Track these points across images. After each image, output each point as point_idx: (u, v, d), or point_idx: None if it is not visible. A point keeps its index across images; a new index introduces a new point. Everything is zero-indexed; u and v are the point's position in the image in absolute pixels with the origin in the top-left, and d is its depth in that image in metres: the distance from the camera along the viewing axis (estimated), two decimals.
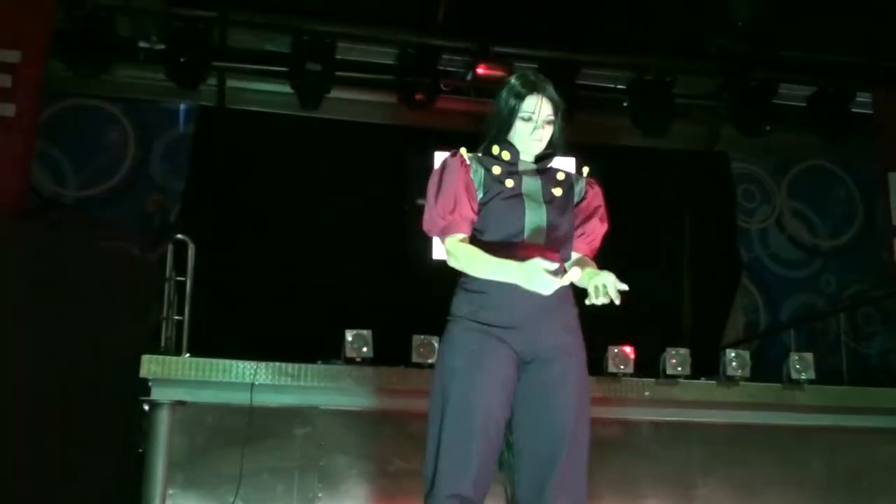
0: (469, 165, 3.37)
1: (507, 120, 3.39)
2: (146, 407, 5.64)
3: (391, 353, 5.95)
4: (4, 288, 5.12)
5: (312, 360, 5.87)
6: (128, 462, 5.67)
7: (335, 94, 9.09)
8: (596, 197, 3.52)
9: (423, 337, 5.82)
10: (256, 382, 5.63)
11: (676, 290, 9.88)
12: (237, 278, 8.50)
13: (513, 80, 3.44)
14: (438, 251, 8.06)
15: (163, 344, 6.00)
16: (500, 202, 3.34)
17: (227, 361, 5.64)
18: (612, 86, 9.67)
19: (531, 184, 3.39)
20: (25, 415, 5.07)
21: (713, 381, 6.28)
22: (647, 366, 6.23)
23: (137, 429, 5.73)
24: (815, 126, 9.70)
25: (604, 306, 3.10)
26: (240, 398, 5.63)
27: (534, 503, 3.21)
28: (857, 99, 9.54)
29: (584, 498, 3.26)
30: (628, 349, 6.10)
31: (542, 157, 3.45)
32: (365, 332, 5.83)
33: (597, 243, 3.48)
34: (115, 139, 9.14)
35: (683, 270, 9.99)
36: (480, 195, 3.34)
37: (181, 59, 8.64)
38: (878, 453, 6.40)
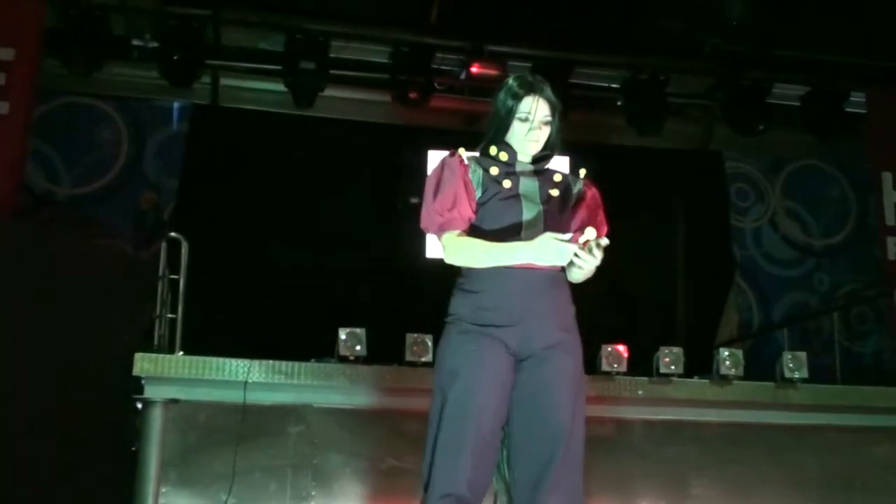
0: (468, 165, 3.38)
1: (504, 121, 3.40)
2: (139, 405, 5.63)
3: (385, 351, 5.95)
4: None
5: (306, 359, 5.86)
6: (121, 460, 5.66)
7: (329, 92, 9.06)
8: (594, 200, 3.52)
9: (416, 335, 5.81)
10: (250, 380, 5.61)
11: (670, 288, 9.88)
12: (230, 276, 8.48)
13: (510, 80, 3.45)
14: (432, 249, 8.07)
15: (156, 342, 5.97)
16: (498, 202, 3.35)
17: (221, 359, 5.63)
18: (607, 85, 9.66)
19: (528, 184, 3.40)
20: (17, 413, 5.06)
21: (706, 380, 6.27)
22: (641, 364, 6.23)
23: (130, 427, 5.72)
24: (809, 125, 9.70)
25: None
26: (233, 396, 5.62)
27: (529, 502, 3.21)
28: (851, 98, 9.53)
29: (580, 496, 3.26)
30: (622, 348, 6.09)
31: (540, 159, 3.46)
32: (358, 330, 5.82)
33: None
34: (108, 137, 9.10)
35: (677, 269, 10.00)
36: (479, 195, 3.36)
37: (175, 57, 8.61)
38: (871, 452, 6.40)
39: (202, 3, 8.59)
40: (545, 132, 3.41)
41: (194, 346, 5.86)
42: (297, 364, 5.75)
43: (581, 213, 3.47)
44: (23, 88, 7.42)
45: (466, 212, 3.32)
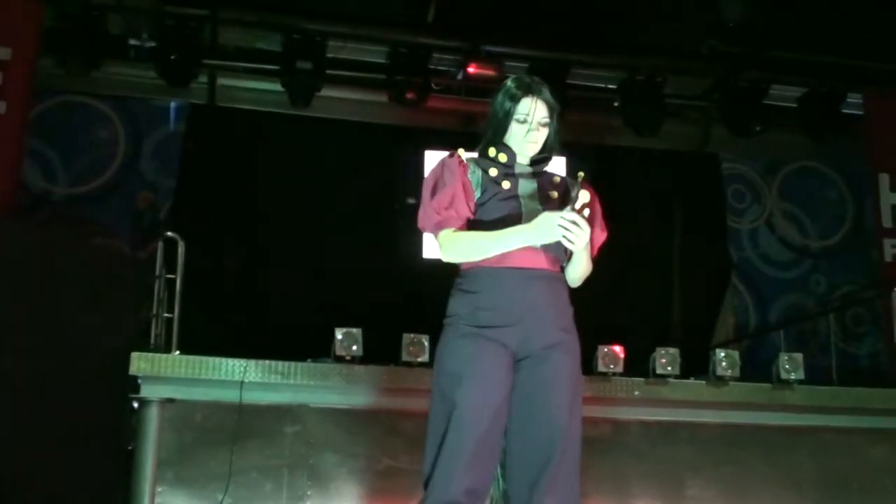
0: (467, 166, 3.38)
1: (502, 122, 3.40)
2: (136, 404, 5.63)
3: (381, 351, 5.95)
4: None
5: (302, 359, 5.86)
6: (117, 459, 5.65)
7: (326, 92, 9.07)
8: (593, 204, 3.51)
9: (413, 335, 5.82)
10: (246, 380, 5.61)
11: (666, 289, 9.89)
12: (227, 276, 8.49)
13: (508, 82, 3.45)
14: (429, 250, 8.07)
15: (152, 341, 5.98)
16: (497, 203, 3.34)
17: (217, 359, 5.63)
18: (604, 85, 9.67)
19: (527, 186, 3.40)
20: (14, 411, 5.05)
21: (703, 381, 6.28)
22: (637, 365, 6.23)
23: (127, 426, 5.72)
24: (806, 127, 9.71)
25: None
26: (229, 396, 5.62)
27: (527, 502, 3.21)
28: (848, 100, 9.55)
29: (577, 496, 3.25)
30: (618, 348, 6.10)
31: (539, 160, 3.46)
32: (355, 330, 5.83)
33: (594, 252, 3.46)
34: (105, 137, 9.09)
35: (673, 270, 10.00)
36: (478, 195, 3.35)
37: (172, 57, 8.62)
38: (868, 453, 6.41)
39: (199, 2, 8.60)
40: (543, 133, 3.40)
41: (191, 345, 5.86)
42: (293, 364, 5.75)
43: None
44: (20, 88, 7.42)
45: (464, 211, 3.31)
